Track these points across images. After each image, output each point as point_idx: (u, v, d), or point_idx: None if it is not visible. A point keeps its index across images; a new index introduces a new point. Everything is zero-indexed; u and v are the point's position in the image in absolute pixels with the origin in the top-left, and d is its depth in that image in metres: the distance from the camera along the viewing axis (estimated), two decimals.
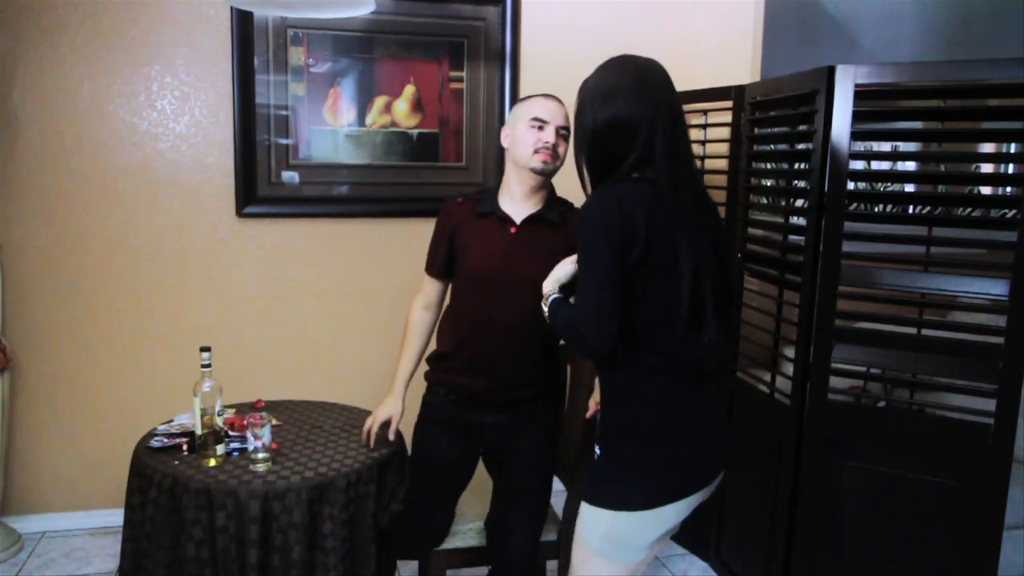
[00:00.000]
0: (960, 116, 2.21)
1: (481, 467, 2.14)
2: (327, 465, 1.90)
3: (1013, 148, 3.01)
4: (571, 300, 1.55)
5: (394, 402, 2.05)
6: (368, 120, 2.93)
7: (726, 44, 3.02)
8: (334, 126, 2.90)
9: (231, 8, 2.69)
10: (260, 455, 1.88)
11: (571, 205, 2.04)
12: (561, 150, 1.93)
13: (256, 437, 1.88)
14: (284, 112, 2.84)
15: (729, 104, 2.57)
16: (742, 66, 2.90)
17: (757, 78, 2.85)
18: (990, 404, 1.92)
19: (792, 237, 2.30)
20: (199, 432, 1.90)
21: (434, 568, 2.11)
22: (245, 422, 1.97)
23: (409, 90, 2.95)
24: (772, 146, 2.54)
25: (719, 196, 2.59)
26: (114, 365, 2.81)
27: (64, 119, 2.67)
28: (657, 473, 1.51)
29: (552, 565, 2.17)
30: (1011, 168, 2.54)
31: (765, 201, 2.58)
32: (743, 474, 2.44)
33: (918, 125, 2.64)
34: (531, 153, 1.91)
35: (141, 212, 2.77)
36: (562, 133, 1.92)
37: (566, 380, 2.27)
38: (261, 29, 2.78)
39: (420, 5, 2.91)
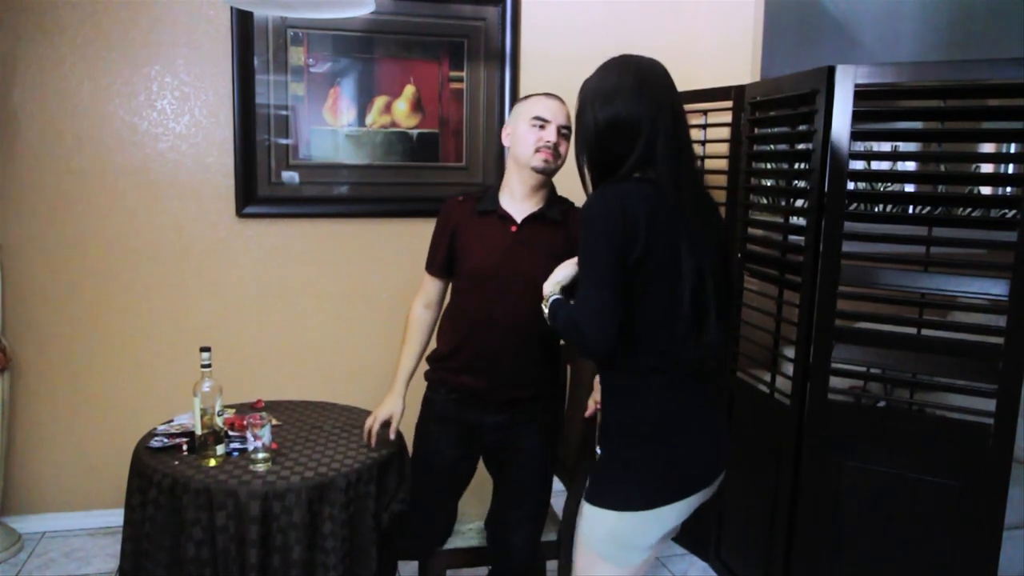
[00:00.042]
0: (960, 116, 2.21)
1: (481, 467, 2.14)
2: (327, 465, 1.90)
3: (1013, 148, 3.01)
4: (571, 302, 1.55)
5: (395, 401, 2.05)
6: (368, 120, 2.93)
7: (726, 44, 3.02)
8: (334, 126, 2.90)
9: (231, 8, 2.69)
10: (260, 455, 1.88)
11: (572, 204, 2.04)
12: (562, 149, 1.93)
13: (256, 437, 1.88)
14: (284, 112, 2.84)
15: (729, 104, 2.57)
16: (742, 66, 2.90)
17: (757, 78, 2.85)
18: (990, 404, 1.92)
19: (792, 237, 2.30)
20: (199, 432, 1.90)
21: (434, 568, 2.11)
22: (245, 422, 1.97)
23: (409, 90, 2.95)
24: (772, 146, 2.54)
25: (719, 196, 2.59)
26: (114, 365, 2.81)
27: (64, 119, 2.67)
28: (657, 473, 1.51)
29: (552, 565, 2.17)
30: (1011, 168, 2.54)
31: (765, 201, 2.58)
32: (743, 474, 2.44)
33: (918, 125, 2.64)
34: (532, 152, 1.91)
35: (141, 212, 2.77)
36: (563, 132, 1.92)
37: (566, 380, 2.27)
38: (261, 29, 2.78)
39: (420, 5, 2.91)
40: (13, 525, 2.76)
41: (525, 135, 1.92)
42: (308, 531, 1.80)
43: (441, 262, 2.05)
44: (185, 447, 1.98)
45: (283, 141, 2.86)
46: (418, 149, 2.99)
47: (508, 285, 1.92)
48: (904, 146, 3.16)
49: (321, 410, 2.34)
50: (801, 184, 2.24)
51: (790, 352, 2.28)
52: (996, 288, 1.93)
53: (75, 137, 2.68)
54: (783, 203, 2.45)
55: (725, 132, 2.61)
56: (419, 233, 2.32)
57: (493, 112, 3.03)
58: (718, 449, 1.58)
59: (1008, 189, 3.09)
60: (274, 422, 2.13)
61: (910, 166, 3.30)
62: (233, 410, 2.22)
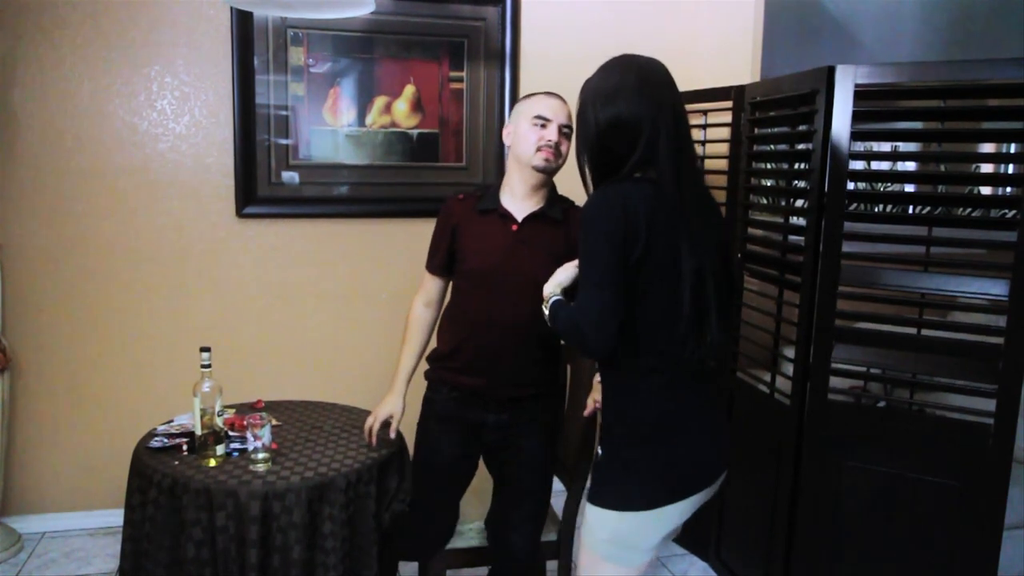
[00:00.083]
0: (960, 116, 2.21)
1: (481, 467, 2.14)
2: (327, 465, 1.90)
3: (1013, 148, 3.01)
4: (572, 303, 1.55)
5: (395, 400, 2.05)
6: (368, 120, 2.93)
7: (726, 44, 3.02)
8: (334, 126, 2.90)
9: (231, 8, 2.69)
10: (260, 455, 1.88)
11: (572, 203, 2.04)
12: (564, 148, 1.93)
13: (256, 437, 1.88)
14: (284, 112, 2.84)
15: (729, 104, 2.57)
16: (742, 66, 2.90)
17: (757, 78, 2.85)
18: (990, 404, 1.92)
19: (792, 237, 2.30)
20: (199, 432, 1.90)
21: (434, 568, 2.11)
22: (245, 422, 1.97)
23: (409, 90, 2.95)
24: (772, 146, 2.54)
25: (719, 196, 2.59)
26: (114, 365, 2.81)
27: (64, 119, 2.67)
28: (657, 473, 1.51)
29: (552, 565, 2.17)
30: (1011, 168, 2.54)
31: (765, 201, 2.58)
32: (743, 474, 2.44)
33: (918, 125, 2.64)
34: (533, 151, 1.91)
35: (141, 212, 2.77)
36: (564, 131, 1.92)
37: (566, 380, 2.27)
38: (261, 29, 2.78)
39: (420, 5, 2.91)
40: (13, 525, 2.76)
41: (526, 134, 1.92)
42: (308, 531, 1.80)
43: (441, 261, 2.05)
44: (185, 447, 1.98)
45: (283, 141, 2.86)
46: (418, 149, 2.99)
47: (508, 284, 1.92)
48: (904, 146, 3.16)
49: (321, 410, 2.34)
50: (801, 184, 2.24)
51: (790, 352, 2.28)
52: (996, 288, 1.93)
53: (75, 137, 2.68)
54: (783, 203, 2.45)
55: (725, 132, 2.61)
56: (419, 233, 2.32)
57: (493, 112, 3.03)
58: (718, 449, 1.58)
59: (1008, 189, 3.09)
60: (274, 422, 2.13)
61: (910, 166, 3.30)
62: (233, 410, 2.22)
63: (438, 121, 2.99)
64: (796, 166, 2.31)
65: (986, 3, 3.49)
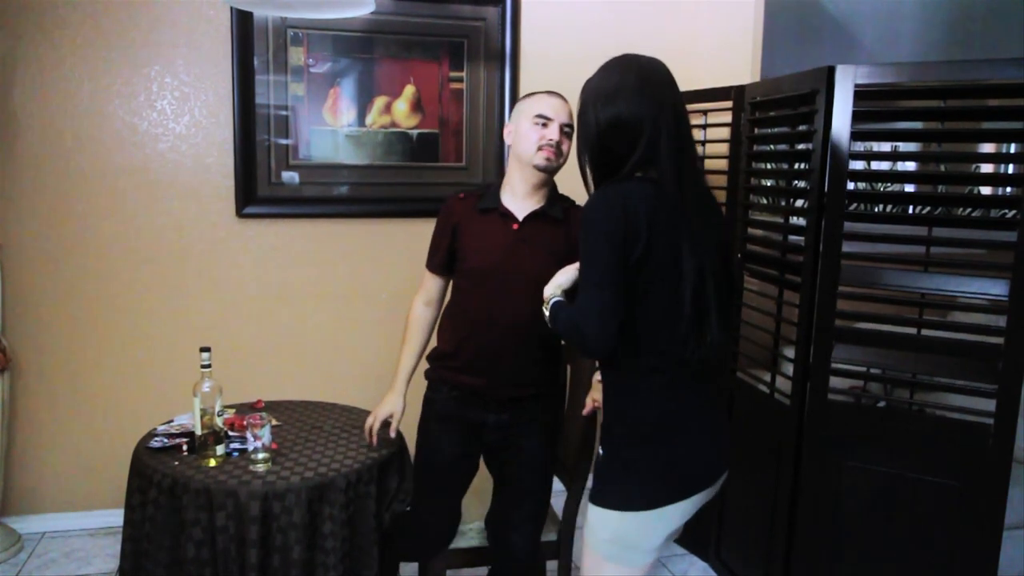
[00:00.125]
0: (960, 116, 2.21)
1: (481, 466, 2.14)
2: (327, 465, 1.90)
3: (1013, 148, 3.01)
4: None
5: (395, 399, 2.05)
6: (368, 120, 2.93)
7: (726, 44, 3.02)
8: (334, 126, 2.90)
9: (231, 8, 2.69)
10: (260, 455, 1.88)
11: (573, 202, 2.03)
12: (565, 147, 1.93)
13: (256, 437, 1.89)
14: (284, 112, 2.84)
15: (729, 104, 2.57)
16: (742, 66, 2.90)
17: (757, 78, 2.85)
18: (990, 404, 1.92)
19: (792, 237, 2.30)
20: (199, 432, 1.90)
21: (434, 568, 2.11)
22: (245, 422, 1.97)
23: (409, 90, 2.95)
24: (772, 146, 2.54)
25: (719, 196, 2.59)
26: (114, 365, 2.81)
27: (64, 119, 2.67)
28: (658, 473, 1.51)
29: (552, 565, 2.17)
30: (1011, 168, 2.54)
31: (765, 201, 2.58)
32: (743, 474, 2.43)
33: (918, 125, 2.64)
34: (535, 150, 1.90)
35: (141, 212, 2.77)
36: (566, 130, 1.92)
37: (566, 380, 2.27)
38: (261, 29, 2.78)
39: (420, 5, 2.91)
40: (13, 525, 2.76)
41: (527, 133, 1.91)
42: (308, 531, 1.80)
43: (442, 260, 2.05)
44: (185, 447, 1.98)
45: (283, 141, 2.86)
46: (418, 149, 2.99)
47: (509, 283, 1.92)
48: (904, 146, 3.16)
49: (321, 410, 2.34)
50: (801, 184, 2.24)
51: (790, 352, 2.28)
52: (996, 288, 1.93)
53: (75, 137, 2.68)
54: (783, 203, 2.45)
55: (725, 132, 2.61)
56: (419, 233, 2.32)
57: (493, 112, 3.03)
58: (719, 449, 1.58)
59: (1008, 189, 3.09)
60: (274, 422, 2.13)
61: (910, 166, 3.30)
62: (233, 410, 2.22)
63: (438, 121, 2.99)
64: (796, 166, 2.31)
65: (986, 3, 3.49)
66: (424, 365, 2.12)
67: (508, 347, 1.95)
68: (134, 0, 2.66)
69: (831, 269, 2.09)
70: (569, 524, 2.11)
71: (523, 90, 2.97)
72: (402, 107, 2.95)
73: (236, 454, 1.95)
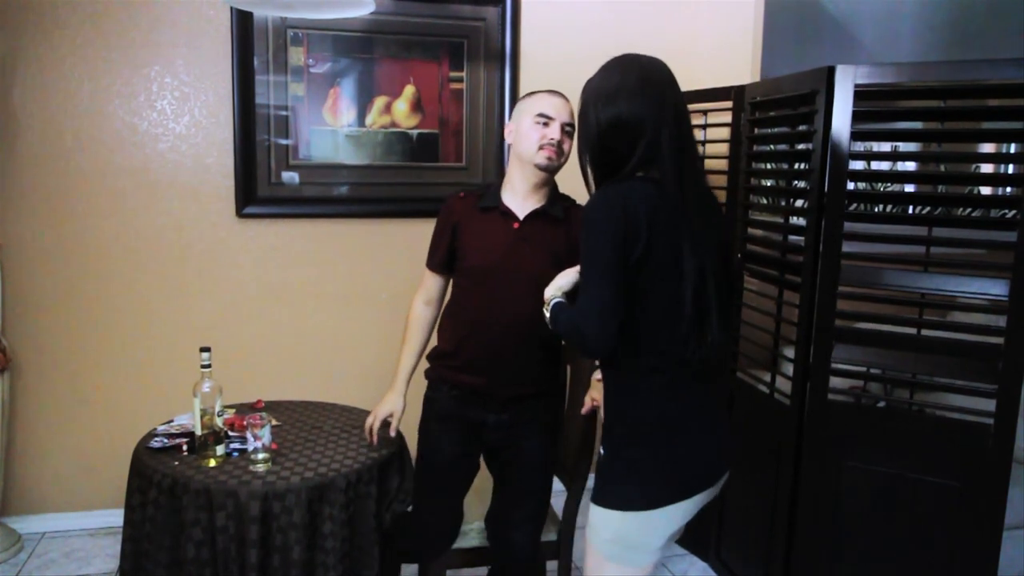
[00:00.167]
0: (960, 116, 2.21)
1: (481, 466, 2.14)
2: (327, 465, 1.90)
3: (1013, 148, 3.01)
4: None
5: (396, 398, 2.05)
6: (368, 120, 2.93)
7: (726, 44, 3.02)
8: (334, 126, 2.90)
9: (231, 8, 2.69)
10: (260, 455, 1.88)
11: (574, 201, 2.03)
12: (566, 147, 1.93)
13: (256, 437, 1.89)
14: (284, 112, 2.84)
15: (729, 104, 2.57)
16: (742, 66, 2.90)
17: (757, 78, 2.85)
18: (990, 404, 1.92)
19: (792, 237, 2.30)
20: (199, 432, 1.90)
21: (434, 568, 2.11)
22: (245, 422, 1.97)
23: (409, 90, 2.95)
24: (772, 146, 2.54)
25: (719, 196, 2.59)
26: (114, 365, 2.81)
27: (64, 119, 2.67)
28: (658, 473, 1.51)
29: (552, 565, 2.17)
30: (1011, 168, 2.54)
31: (765, 201, 2.59)
32: (743, 474, 2.43)
33: (918, 125, 2.64)
34: (536, 149, 1.90)
35: (141, 212, 2.77)
36: (567, 130, 1.92)
37: (566, 379, 2.26)
38: (261, 29, 2.78)
39: (420, 5, 2.91)
40: (13, 525, 2.76)
41: (529, 132, 1.91)
42: (308, 531, 1.80)
43: (442, 258, 2.05)
44: (185, 447, 1.98)
45: (283, 141, 2.86)
46: (418, 149, 2.99)
47: (509, 282, 1.92)
48: (904, 146, 3.16)
49: (321, 410, 2.34)
50: (801, 184, 2.24)
51: (790, 352, 2.28)
52: (996, 288, 1.93)
53: (75, 137, 2.68)
54: (783, 203, 2.45)
55: (725, 132, 2.61)
56: (419, 233, 2.32)
57: (493, 112, 3.03)
58: (719, 449, 1.58)
59: (1008, 189, 3.09)
60: (274, 422, 2.13)
61: (910, 166, 3.30)
62: (233, 410, 2.22)
63: (438, 121, 2.99)
64: (796, 166, 2.31)
65: (986, 3, 3.49)
66: (424, 364, 2.12)
67: (508, 346, 1.94)
68: (134, 0, 2.66)
69: (831, 269, 2.09)
70: (569, 524, 2.11)
71: (523, 90, 2.97)
72: (402, 107, 2.95)
73: (236, 454, 1.95)
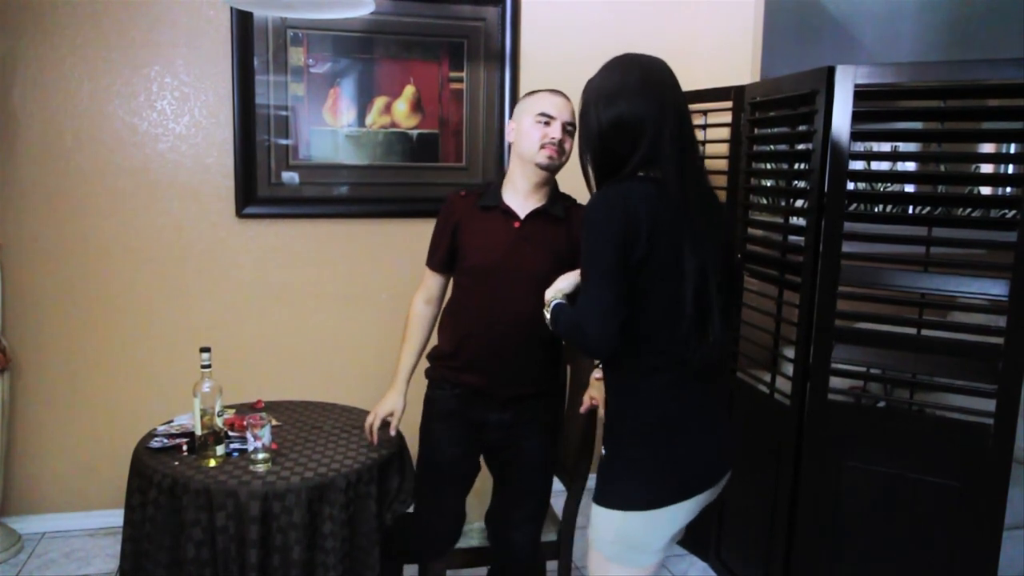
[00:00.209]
0: (960, 116, 2.22)
1: (482, 465, 2.14)
2: (327, 465, 1.90)
3: (1013, 148, 3.01)
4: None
5: (396, 397, 2.05)
6: (368, 120, 2.93)
7: (726, 44, 3.02)
8: (334, 126, 2.90)
9: (231, 8, 2.69)
10: (260, 455, 1.88)
11: (574, 201, 2.03)
12: (567, 146, 1.93)
13: (256, 437, 1.88)
14: (284, 112, 2.84)
15: (729, 104, 2.57)
16: (742, 66, 2.90)
17: (757, 78, 2.85)
18: (990, 404, 1.92)
19: (792, 237, 2.30)
20: (199, 432, 1.90)
21: (435, 568, 2.11)
22: (245, 422, 1.97)
23: (409, 90, 2.95)
24: (772, 146, 2.54)
25: (719, 196, 2.59)
26: (114, 365, 2.81)
27: (64, 119, 2.67)
28: (660, 473, 1.51)
29: (552, 565, 2.17)
30: (1011, 168, 2.54)
31: (765, 201, 2.59)
32: (743, 474, 2.42)
33: (918, 125, 2.64)
34: (537, 148, 1.90)
35: (141, 212, 2.77)
36: (568, 129, 1.92)
37: (567, 379, 2.26)
38: (261, 29, 2.78)
39: (420, 5, 2.91)
40: (13, 525, 2.76)
41: (530, 131, 1.91)
42: (308, 531, 1.80)
43: (442, 257, 2.05)
44: (185, 447, 1.98)
45: (283, 141, 2.86)
46: (418, 149, 2.99)
47: (510, 281, 1.92)
48: (904, 146, 3.16)
49: (321, 410, 2.34)
50: (801, 184, 2.24)
51: (790, 352, 2.28)
52: (996, 288, 1.93)
53: (75, 137, 2.68)
54: (783, 203, 2.45)
55: (725, 132, 2.61)
56: (419, 233, 2.32)
57: (493, 112, 3.03)
58: (720, 449, 1.58)
59: (1008, 189, 3.09)
60: (274, 422, 2.13)
61: (910, 166, 3.30)
62: (233, 410, 2.22)
63: (438, 121, 2.99)
64: (796, 166, 2.31)
65: (986, 3, 3.49)
66: (424, 364, 2.12)
67: (509, 346, 1.94)
68: (134, 0, 2.66)
69: (831, 269, 2.09)
70: (569, 524, 2.11)
71: (523, 90, 2.96)
72: (402, 107, 2.95)
73: (236, 454, 1.95)
